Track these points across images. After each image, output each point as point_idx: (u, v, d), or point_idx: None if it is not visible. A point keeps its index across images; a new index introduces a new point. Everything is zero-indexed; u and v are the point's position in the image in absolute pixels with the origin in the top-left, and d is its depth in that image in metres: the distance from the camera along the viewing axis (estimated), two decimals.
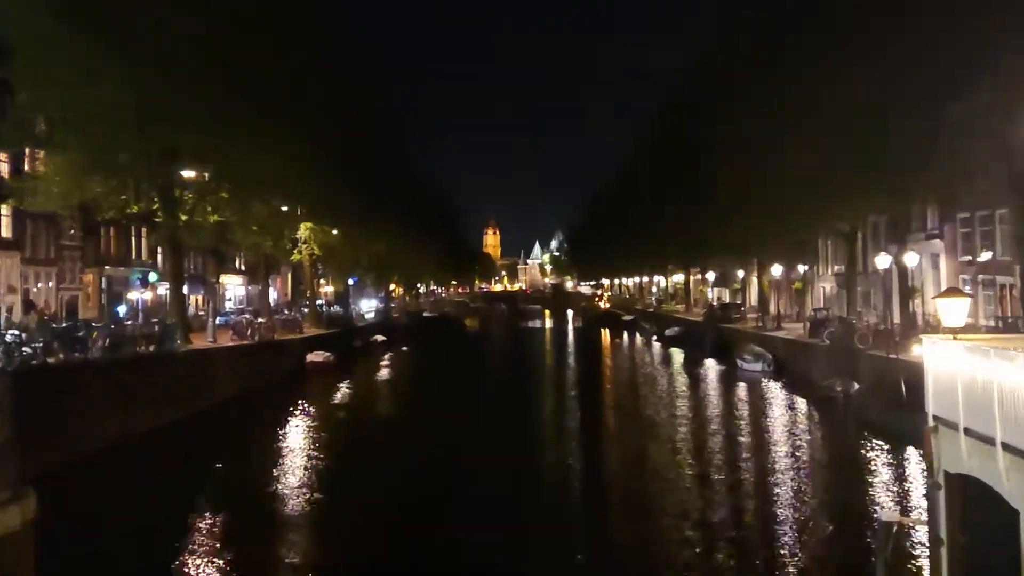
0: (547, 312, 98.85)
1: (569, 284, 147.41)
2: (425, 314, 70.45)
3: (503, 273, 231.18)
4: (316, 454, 17.37)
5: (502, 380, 31.38)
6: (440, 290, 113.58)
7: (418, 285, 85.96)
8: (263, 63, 23.71)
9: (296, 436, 19.62)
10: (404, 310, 67.98)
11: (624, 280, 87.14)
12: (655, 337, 49.02)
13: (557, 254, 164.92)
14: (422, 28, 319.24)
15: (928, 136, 18.24)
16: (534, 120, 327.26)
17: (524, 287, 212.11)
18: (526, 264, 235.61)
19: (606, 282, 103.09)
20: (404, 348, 46.47)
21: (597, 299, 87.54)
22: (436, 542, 11.43)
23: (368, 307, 59.80)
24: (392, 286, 69.56)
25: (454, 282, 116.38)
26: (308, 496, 13.92)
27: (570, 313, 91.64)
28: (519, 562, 10.73)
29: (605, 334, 57.83)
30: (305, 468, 16.03)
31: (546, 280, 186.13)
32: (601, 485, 14.69)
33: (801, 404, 23.25)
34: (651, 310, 61.07)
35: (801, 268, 38.11)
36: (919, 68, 17.42)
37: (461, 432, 19.88)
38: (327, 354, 33.11)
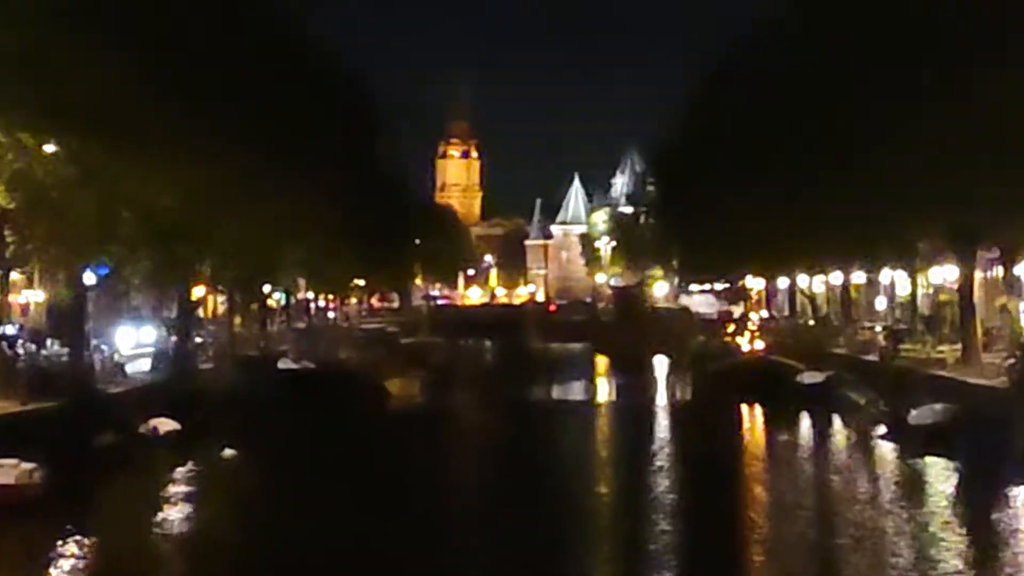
0: (603, 359, 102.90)
1: (660, 288, 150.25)
2: (285, 364, 72.11)
3: (489, 260, 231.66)
4: None
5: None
6: (328, 302, 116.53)
7: (270, 289, 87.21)
8: None
9: None
10: (231, 352, 69.66)
11: (804, 280, 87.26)
12: (883, 429, 49.89)
13: (626, 210, 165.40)
14: None
15: None
16: None
17: (542, 293, 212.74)
18: (547, 237, 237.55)
19: (755, 286, 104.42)
20: (226, 450, 48.69)
21: (732, 328, 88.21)
22: None
23: (136, 343, 61.46)
24: (201, 290, 70.12)
25: (361, 281, 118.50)
26: None
27: (660, 364, 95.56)
28: None
29: (752, 420, 60.19)
30: None
31: (600, 277, 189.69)
32: None
33: None
34: (870, 358, 61.70)
35: None
36: None
37: None
38: (25, 466, 33.68)
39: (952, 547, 30.15)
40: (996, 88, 40.40)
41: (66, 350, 52.23)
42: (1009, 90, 39.57)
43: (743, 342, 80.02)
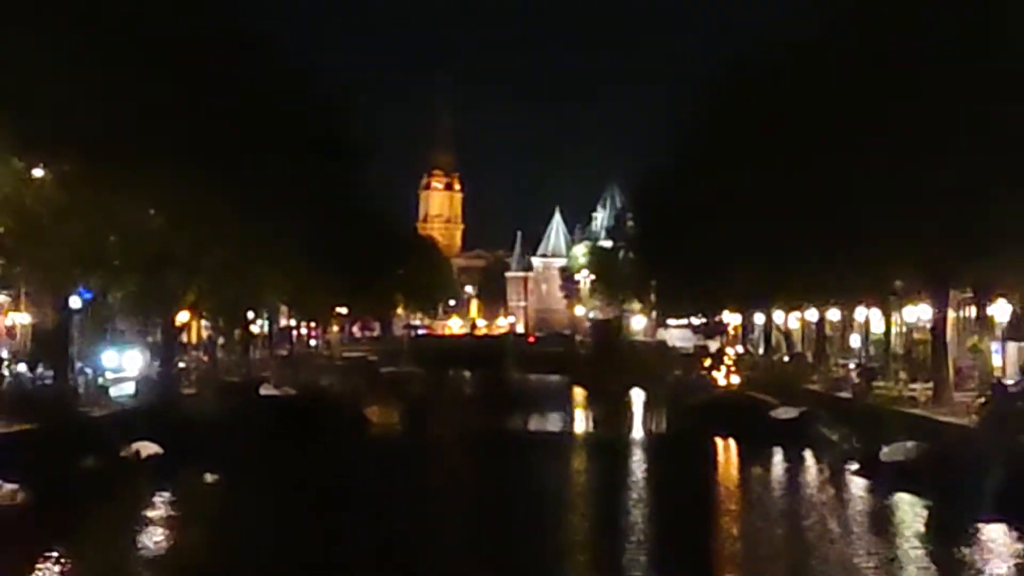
0: (581, 391, 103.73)
1: (638, 322, 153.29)
2: (267, 390, 72.03)
3: (469, 291, 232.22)
4: None
5: None
6: (310, 329, 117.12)
7: (253, 316, 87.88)
8: None
9: None
10: (214, 377, 69.90)
11: (780, 317, 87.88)
12: (855, 464, 50.05)
13: (606, 245, 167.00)
14: None
15: None
16: None
17: (522, 324, 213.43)
18: (528, 269, 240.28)
19: (731, 321, 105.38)
20: (207, 475, 48.87)
21: (708, 363, 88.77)
22: None
23: (121, 367, 61.23)
24: (186, 316, 70.04)
25: (343, 309, 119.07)
26: None
27: (637, 397, 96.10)
28: None
29: (726, 454, 60.78)
30: None
31: (579, 309, 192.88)
32: None
33: None
34: (843, 395, 62.10)
35: None
36: None
37: None
38: (7, 487, 34.50)
39: None
40: (973, 131, 41.58)
41: (49, 372, 51.96)
42: (983, 132, 40.92)
43: (719, 377, 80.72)
